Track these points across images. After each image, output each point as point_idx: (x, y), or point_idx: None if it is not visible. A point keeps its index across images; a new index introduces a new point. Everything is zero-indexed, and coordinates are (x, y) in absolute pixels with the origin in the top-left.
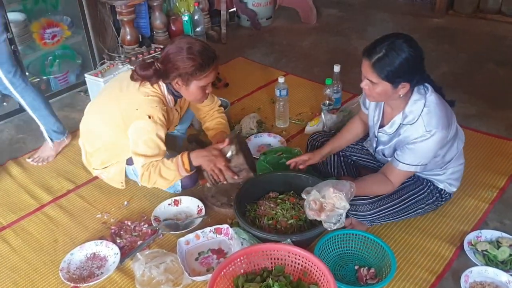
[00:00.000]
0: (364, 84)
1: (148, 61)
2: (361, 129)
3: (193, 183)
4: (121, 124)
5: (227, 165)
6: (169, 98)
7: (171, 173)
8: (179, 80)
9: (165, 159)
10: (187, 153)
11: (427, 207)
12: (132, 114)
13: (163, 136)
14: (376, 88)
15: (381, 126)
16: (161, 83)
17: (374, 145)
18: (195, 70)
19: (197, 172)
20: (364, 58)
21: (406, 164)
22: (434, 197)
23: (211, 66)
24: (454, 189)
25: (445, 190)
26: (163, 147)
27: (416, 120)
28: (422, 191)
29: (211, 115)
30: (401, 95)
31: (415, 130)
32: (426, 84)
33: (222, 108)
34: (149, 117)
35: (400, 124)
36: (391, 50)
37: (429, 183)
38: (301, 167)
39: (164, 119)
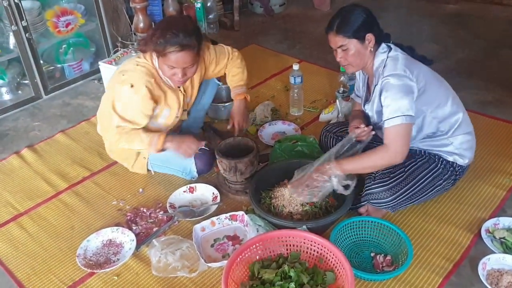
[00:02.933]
0: (339, 55)
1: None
2: None
3: (208, 168)
4: None
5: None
6: (162, 74)
7: (142, 146)
8: (151, 51)
9: (142, 131)
10: (164, 135)
11: (445, 183)
12: (118, 78)
13: (143, 108)
14: (349, 52)
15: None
16: (154, 57)
17: (372, 121)
18: (155, 44)
19: (212, 157)
20: (328, 33)
21: (388, 119)
22: (449, 172)
23: (169, 48)
24: (467, 161)
25: (456, 163)
26: (140, 120)
27: (379, 78)
28: (436, 168)
29: (228, 68)
30: (371, 49)
31: (379, 86)
32: (391, 45)
33: (237, 52)
34: (131, 85)
35: (374, 86)
36: (345, 13)
37: (441, 159)
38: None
39: (149, 92)
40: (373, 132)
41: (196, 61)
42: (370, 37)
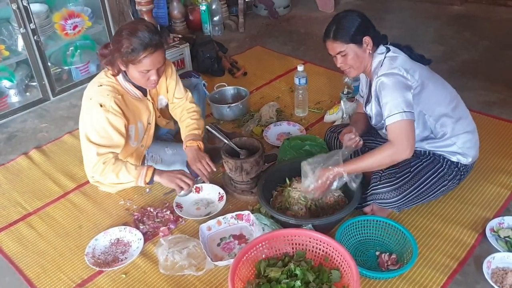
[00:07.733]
0: (338, 61)
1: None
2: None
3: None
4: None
5: (192, 180)
6: (129, 87)
7: (129, 178)
8: (121, 62)
9: (129, 162)
10: (153, 168)
11: (450, 183)
12: (85, 105)
13: (117, 125)
14: (348, 57)
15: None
16: (121, 68)
17: (372, 122)
18: (127, 53)
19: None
20: (326, 41)
21: (388, 116)
22: (454, 172)
23: (142, 52)
24: (470, 159)
25: (461, 163)
26: (117, 139)
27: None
28: (441, 168)
29: (182, 116)
30: (370, 51)
31: (374, 86)
32: (390, 47)
33: (194, 106)
34: (101, 105)
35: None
36: (339, 19)
37: (445, 159)
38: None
39: (119, 108)
40: (361, 143)
41: (165, 58)
42: (367, 39)
